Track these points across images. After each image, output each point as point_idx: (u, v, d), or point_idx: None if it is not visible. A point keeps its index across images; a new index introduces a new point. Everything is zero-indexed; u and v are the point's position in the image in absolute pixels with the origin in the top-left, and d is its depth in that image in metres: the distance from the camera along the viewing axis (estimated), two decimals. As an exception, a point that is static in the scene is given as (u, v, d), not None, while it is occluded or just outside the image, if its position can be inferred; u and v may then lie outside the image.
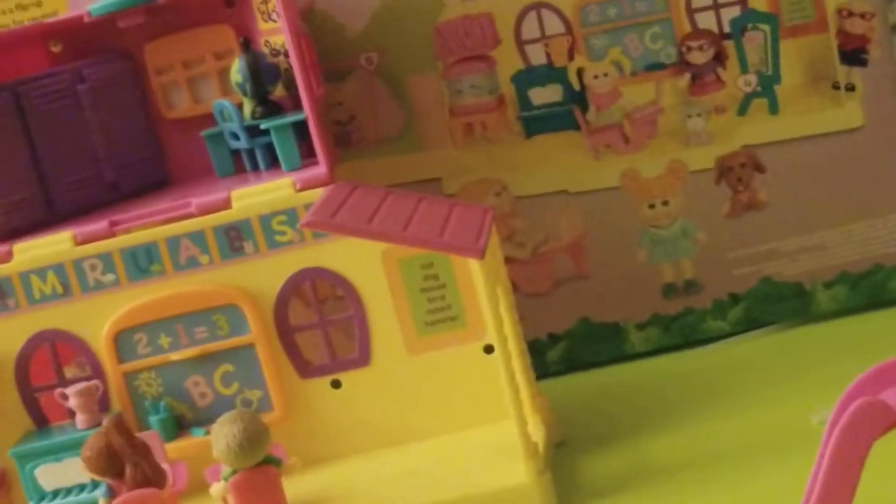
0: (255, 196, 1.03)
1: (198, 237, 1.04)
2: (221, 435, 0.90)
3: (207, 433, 1.03)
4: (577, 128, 1.16)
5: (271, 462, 0.92)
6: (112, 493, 0.93)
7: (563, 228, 1.18)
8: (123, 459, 0.92)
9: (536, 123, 1.16)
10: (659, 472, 0.96)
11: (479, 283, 0.91)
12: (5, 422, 1.05)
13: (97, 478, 0.94)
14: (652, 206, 1.17)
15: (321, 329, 1.05)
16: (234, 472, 0.91)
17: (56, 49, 1.12)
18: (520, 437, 0.92)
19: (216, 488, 0.92)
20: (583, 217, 1.17)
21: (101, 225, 1.04)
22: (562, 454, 1.02)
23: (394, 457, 1.02)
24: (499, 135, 1.17)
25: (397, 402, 1.04)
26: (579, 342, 1.19)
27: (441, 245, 0.90)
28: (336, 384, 1.05)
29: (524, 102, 1.16)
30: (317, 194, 1.01)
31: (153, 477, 0.93)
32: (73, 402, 1.04)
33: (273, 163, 1.08)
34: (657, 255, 1.18)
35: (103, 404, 1.05)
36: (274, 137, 1.05)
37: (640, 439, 1.02)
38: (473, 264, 0.92)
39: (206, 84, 1.12)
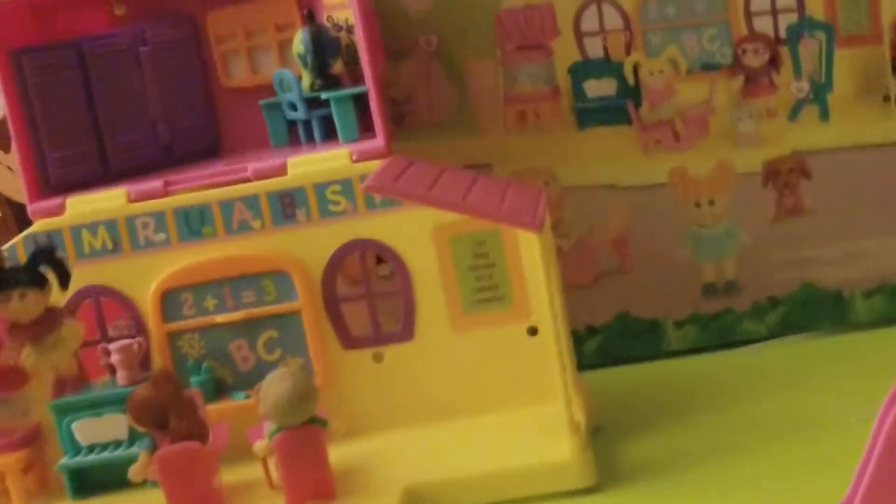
0: (312, 164, 1.04)
1: (251, 202, 1.04)
2: (270, 391, 0.90)
3: (248, 397, 1.04)
4: (630, 122, 1.17)
5: (317, 423, 0.92)
6: (154, 445, 0.93)
7: (609, 221, 1.18)
8: (169, 412, 0.93)
9: (589, 115, 1.17)
10: (692, 462, 0.97)
11: (535, 257, 0.92)
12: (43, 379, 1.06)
13: (140, 428, 0.94)
14: (698, 205, 1.18)
15: (367, 301, 1.06)
16: (280, 429, 0.91)
17: (119, 12, 1.13)
18: (564, 413, 0.92)
19: (260, 446, 0.92)
20: (629, 211, 1.18)
21: (156, 184, 1.05)
22: (598, 440, 1.03)
23: (434, 431, 1.02)
24: (551, 124, 1.18)
25: (438, 378, 1.04)
26: (616, 336, 1.20)
27: (500, 216, 0.91)
28: (378, 357, 1.05)
29: (579, 94, 1.17)
30: (373, 166, 1.02)
31: (197, 431, 0.93)
32: (115, 358, 1.04)
33: (328, 136, 1.09)
34: (700, 253, 1.18)
35: (144, 363, 1.05)
36: (334, 108, 1.06)
37: (674, 432, 1.03)
38: (530, 238, 0.92)
39: (265, 55, 1.13)
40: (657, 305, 1.19)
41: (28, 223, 1.13)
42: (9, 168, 1.23)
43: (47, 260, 0.97)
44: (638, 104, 1.17)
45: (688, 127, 1.17)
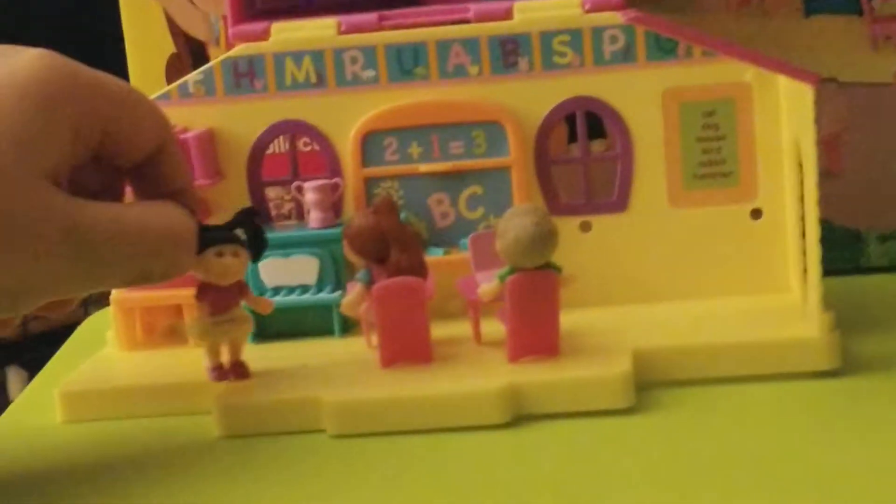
0: (541, 10, 0.96)
1: (471, 45, 0.97)
2: (511, 226, 0.82)
3: (447, 253, 0.97)
4: (861, 13, 1.09)
5: (553, 269, 0.85)
6: (371, 279, 0.86)
7: (824, 119, 1.11)
8: (390, 243, 0.86)
9: (818, 2, 1.09)
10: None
11: (806, 113, 0.84)
12: (227, 212, 0.98)
13: (356, 260, 0.87)
14: (923, 111, 1.11)
15: (582, 165, 0.99)
16: (514, 271, 0.84)
17: None
18: (811, 293, 0.85)
19: (486, 289, 0.84)
20: (847, 110, 1.10)
21: (370, 17, 0.98)
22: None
23: (649, 308, 0.95)
24: (776, 7, 1.10)
25: (651, 255, 0.97)
26: (815, 244, 1.12)
27: (778, 66, 0.84)
28: (586, 227, 0.98)
29: (810, -23, 1.10)
30: (605, 18, 0.95)
31: (418, 268, 0.86)
32: (309, 198, 0.97)
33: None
34: (918, 163, 1.11)
35: (337, 208, 0.99)
36: (566, -45, 0.99)
37: (885, 338, 0.95)
38: (803, 93, 0.85)
39: None
40: (862, 215, 1.11)
41: (204, 61, 1.06)
42: (190, 1, 1.15)
43: (250, 224, 0.85)
44: (873, -6, 1.10)
45: (923, 25, 1.10)
